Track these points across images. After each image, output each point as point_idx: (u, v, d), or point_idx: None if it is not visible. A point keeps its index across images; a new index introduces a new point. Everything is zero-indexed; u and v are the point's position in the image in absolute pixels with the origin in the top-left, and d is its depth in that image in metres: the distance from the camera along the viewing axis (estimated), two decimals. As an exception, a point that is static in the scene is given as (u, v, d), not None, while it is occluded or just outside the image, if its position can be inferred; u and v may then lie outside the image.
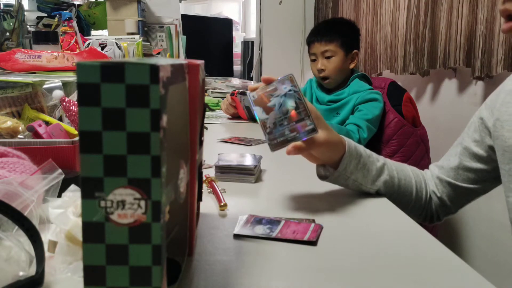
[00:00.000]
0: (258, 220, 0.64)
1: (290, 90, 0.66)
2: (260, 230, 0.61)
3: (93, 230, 0.32)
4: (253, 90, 0.68)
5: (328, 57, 1.71)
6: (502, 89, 0.75)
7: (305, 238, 0.58)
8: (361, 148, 0.75)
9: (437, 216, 0.87)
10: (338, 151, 0.72)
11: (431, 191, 0.85)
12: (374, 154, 0.77)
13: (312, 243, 0.57)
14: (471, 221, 1.67)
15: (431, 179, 0.86)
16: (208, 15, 4.03)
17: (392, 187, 0.78)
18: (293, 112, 0.65)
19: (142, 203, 0.32)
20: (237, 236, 0.59)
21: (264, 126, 0.66)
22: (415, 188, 0.82)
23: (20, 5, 1.83)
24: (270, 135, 0.66)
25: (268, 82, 0.68)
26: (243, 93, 1.62)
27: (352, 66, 1.74)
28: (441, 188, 0.84)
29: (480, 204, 1.60)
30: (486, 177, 0.80)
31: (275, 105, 0.66)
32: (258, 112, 0.67)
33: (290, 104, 0.65)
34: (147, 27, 2.21)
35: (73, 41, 1.66)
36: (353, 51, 1.72)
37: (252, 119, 1.68)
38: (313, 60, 1.77)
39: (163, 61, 0.36)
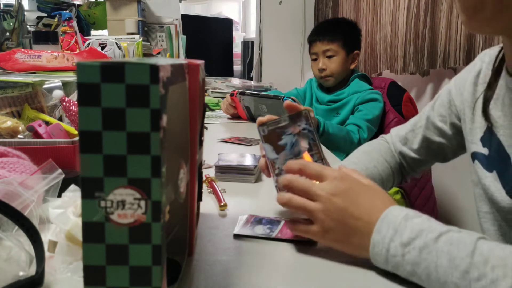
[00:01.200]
0: (258, 220, 0.64)
1: (304, 129, 0.62)
2: (260, 230, 0.60)
3: (93, 230, 0.32)
4: (263, 123, 0.63)
5: (329, 57, 1.70)
6: (472, 68, 0.75)
7: (307, 239, 0.58)
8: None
9: (404, 180, 0.90)
10: None
11: (398, 164, 0.87)
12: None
13: (312, 243, 0.57)
14: (471, 220, 1.67)
15: (394, 151, 0.88)
16: (208, 15, 4.03)
17: None
18: (305, 154, 0.61)
19: (142, 203, 0.32)
20: (237, 236, 0.59)
21: (273, 166, 0.61)
22: (388, 180, 0.84)
23: (20, 5, 1.83)
24: (279, 176, 0.60)
25: (292, 108, 0.65)
26: (243, 93, 1.62)
27: (353, 66, 1.74)
28: (404, 162, 0.87)
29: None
30: (446, 151, 0.83)
31: (286, 144, 0.61)
32: (267, 150, 0.61)
33: (303, 145, 0.61)
34: (147, 27, 2.21)
35: (73, 41, 1.66)
36: (354, 51, 1.72)
37: (251, 119, 1.68)
38: (314, 60, 1.76)
39: (163, 61, 0.36)
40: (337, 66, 1.70)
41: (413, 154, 0.85)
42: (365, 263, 0.53)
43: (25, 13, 1.88)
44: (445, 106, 0.80)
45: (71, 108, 0.90)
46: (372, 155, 0.85)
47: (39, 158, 0.65)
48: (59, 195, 0.56)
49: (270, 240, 0.58)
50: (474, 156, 0.71)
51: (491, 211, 0.69)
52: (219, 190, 0.74)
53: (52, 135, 0.78)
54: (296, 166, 0.56)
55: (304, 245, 0.57)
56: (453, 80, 0.80)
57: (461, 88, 0.76)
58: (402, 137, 0.87)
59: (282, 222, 0.63)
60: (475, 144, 0.70)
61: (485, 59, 0.73)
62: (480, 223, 0.74)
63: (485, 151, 0.68)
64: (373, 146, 0.89)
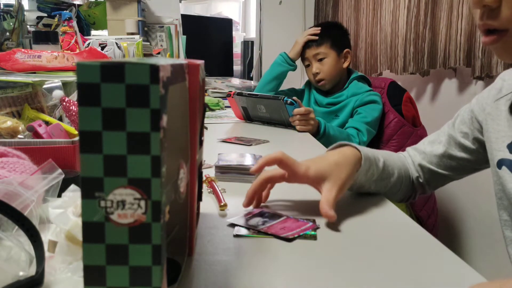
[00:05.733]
0: (262, 213, 0.64)
1: None
2: (254, 221, 0.61)
3: (93, 230, 0.32)
4: None
5: (320, 60, 1.73)
6: (493, 87, 0.78)
7: (284, 235, 0.58)
8: (367, 150, 0.76)
9: (413, 197, 0.90)
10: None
11: (414, 177, 0.87)
12: (375, 153, 0.77)
13: (288, 239, 0.57)
14: (471, 220, 1.67)
15: (412, 164, 0.88)
16: (208, 15, 4.02)
17: (385, 187, 0.80)
18: None
19: (142, 203, 0.32)
20: (237, 236, 0.59)
21: None
22: (402, 183, 0.84)
23: (20, 5, 1.83)
24: None
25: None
26: (240, 94, 1.63)
27: (346, 65, 1.75)
28: (422, 174, 0.87)
29: (481, 203, 1.60)
30: (467, 166, 0.84)
31: None
32: None
33: None
34: (147, 27, 2.21)
35: (73, 41, 1.66)
36: (344, 50, 1.74)
37: (248, 119, 1.68)
38: (307, 66, 1.80)
39: (163, 61, 0.36)
40: (329, 68, 1.72)
41: (433, 167, 0.85)
42: (366, 262, 0.53)
43: (25, 13, 1.88)
44: (466, 123, 0.82)
45: (71, 108, 0.90)
46: (393, 156, 0.85)
47: (39, 158, 0.65)
48: (59, 195, 0.56)
49: (263, 236, 0.58)
50: (501, 162, 0.72)
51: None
52: (219, 190, 0.74)
53: (52, 135, 0.78)
54: None
55: (304, 245, 0.57)
56: (475, 99, 0.83)
57: (483, 104, 0.78)
58: (421, 151, 0.87)
59: (282, 218, 0.63)
60: (501, 151, 0.71)
61: (505, 77, 0.76)
62: (502, 231, 0.75)
63: None
64: (392, 153, 0.89)
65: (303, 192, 0.79)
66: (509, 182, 0.70)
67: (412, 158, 0.88)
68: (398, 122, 1.64)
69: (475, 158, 0.82)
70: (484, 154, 0.79)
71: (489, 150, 0.76)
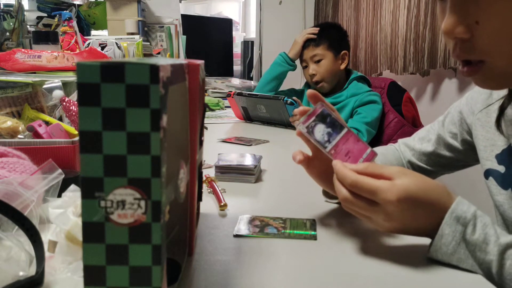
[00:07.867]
0: (324, 116, 0.59)
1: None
2: (319, 133, 0.58)
3: (93, 230, 0.32)
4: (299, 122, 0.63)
5: (318, 61, 1.74)
6: (483, 90, 0.75)
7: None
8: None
9: None
10: None
11: None
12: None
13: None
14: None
15: (403, 159, 0.88)
16: (208, 15, 4.02)
17: None
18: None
19: (142, 203, 0.32)
20: (237, 236, 0.59)
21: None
22: None
23: (20, 5, 1.83)
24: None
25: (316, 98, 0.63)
26: (240, 94, 1.63)
27: (343, 66, 1.75)
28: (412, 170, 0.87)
29: (481, 203, 1.59)
30: (456, 164, 0.84)
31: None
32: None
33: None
34: (147, 27, 2.21)
35: (73, 41, 1.66)
36: (342, 51, 1.75)
37: (248, 119, 1.68)
38: (304, 67, 1.81)
39: (163, 61, 0.36)
40: (326, 69, 1.73)
41: (422, 164, 0.86)
42: (367, 260, 0.53)
43: (25, 13, 1.88)
44: (455, 123, 0.81)
45: (71, 108, 0.90)
46: (388, 157, 0.86)
47: (39, 158, 0.65)
48: (59, 195, 0.56)
49: (265, 236, 0.58)
50: (488, 173, 0.71)
51: (502, 227, 0.70)
52: (219, 190, 0.74)
53: (52, 135, 0.78)
54: (348, 181, 0.53)
55: (304, 244, 0.57)
56: (464, 99, 0.81)
57: (473, 107, 0.77)
58: (411, 148, 0.88)
59: (344, 131, 0.59)
60: (489, 161, 0.70)
61: None
62: None
63: (501, 168, 0.68)
64: (387, 149, 0.90)
65: (303, 192, 0.80)
66: (494, 194, 0.69)
67: (403, 154, 0.88)
68: (398, 122, 1.64)
69: (464, 157, 0.82)
70: (472, 154, 0.78)
71: (479, 156, 0.75)
